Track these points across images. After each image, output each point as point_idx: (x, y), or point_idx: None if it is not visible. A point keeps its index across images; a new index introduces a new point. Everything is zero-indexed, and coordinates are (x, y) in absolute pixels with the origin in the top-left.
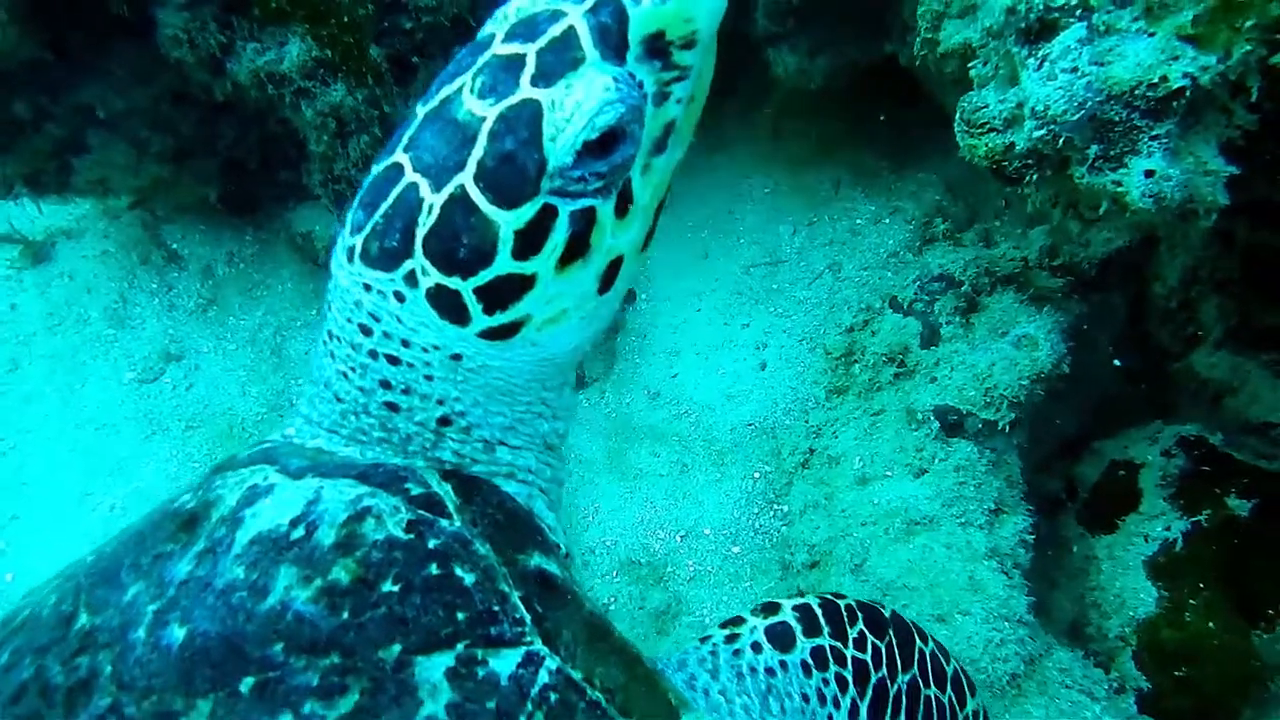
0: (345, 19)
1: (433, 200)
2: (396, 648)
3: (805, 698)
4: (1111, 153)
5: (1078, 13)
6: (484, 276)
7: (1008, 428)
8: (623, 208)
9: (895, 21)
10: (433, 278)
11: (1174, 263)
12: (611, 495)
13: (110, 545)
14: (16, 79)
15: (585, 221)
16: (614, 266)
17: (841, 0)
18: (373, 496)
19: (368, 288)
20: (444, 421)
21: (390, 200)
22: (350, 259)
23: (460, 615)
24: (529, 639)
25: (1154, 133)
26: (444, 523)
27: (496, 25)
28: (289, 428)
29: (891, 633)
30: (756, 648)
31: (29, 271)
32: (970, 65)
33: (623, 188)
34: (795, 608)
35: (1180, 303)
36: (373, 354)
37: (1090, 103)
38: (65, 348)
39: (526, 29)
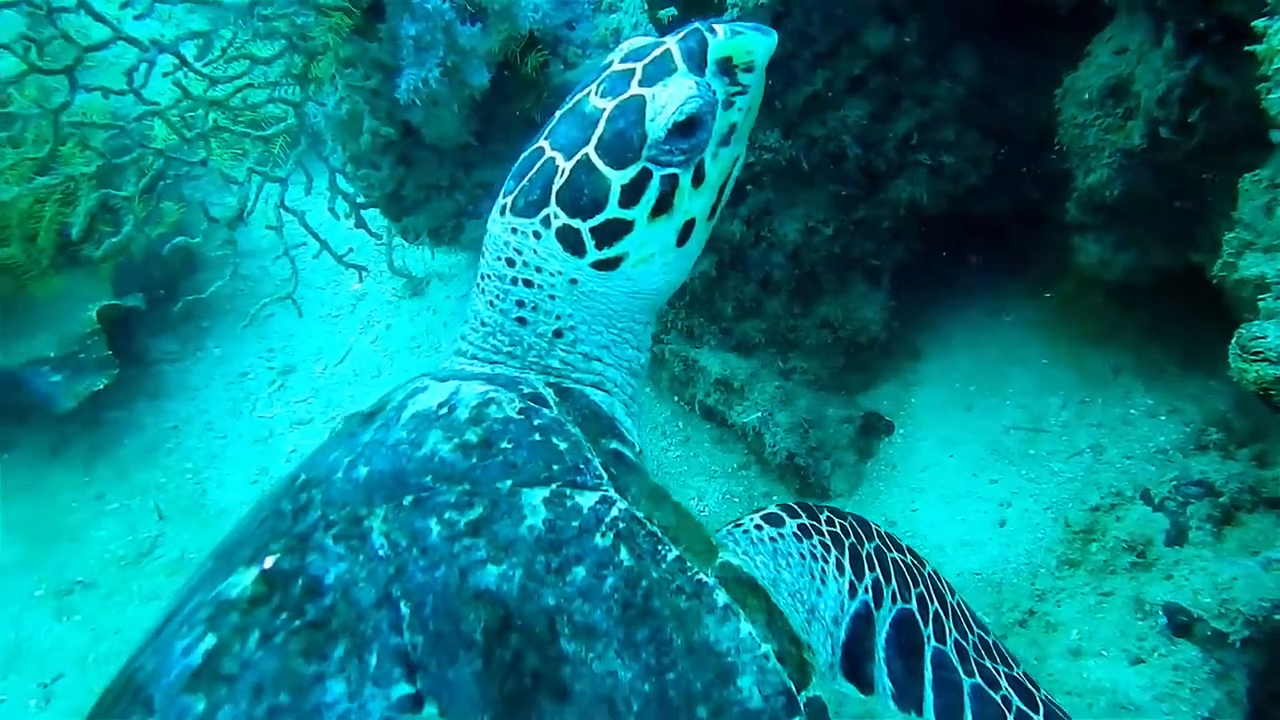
0: None
1: (565, 165)
2: (509, 482)
3: (802, 556)
4: None
5: None
6: (597, 219)
7: (1239, 643)
8: (698, 180)
9: (1206, 235)
10: (561, 220)
11: None
12: None
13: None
14: (447, 156)
15: (671, 184)
16: (688, 226)
17: (1155, 206)
18: (495, 391)
19: (514, 230)
20: (557, 334)
21: (534, 170)
22: (502, 213)
23: (555, 467)
24: (605, 488)
25: None
26: (546, 410)
27: (614, 55)
28: (444, 361)
29: (851, 519)
30: (759, 527)
31: (406, 301)
32: (1261, 297)
33: (699, 165)
34: (778, 505)
35: None
36: (514, 280)
37: None
38: (417, 368)
39: (636, 54)
